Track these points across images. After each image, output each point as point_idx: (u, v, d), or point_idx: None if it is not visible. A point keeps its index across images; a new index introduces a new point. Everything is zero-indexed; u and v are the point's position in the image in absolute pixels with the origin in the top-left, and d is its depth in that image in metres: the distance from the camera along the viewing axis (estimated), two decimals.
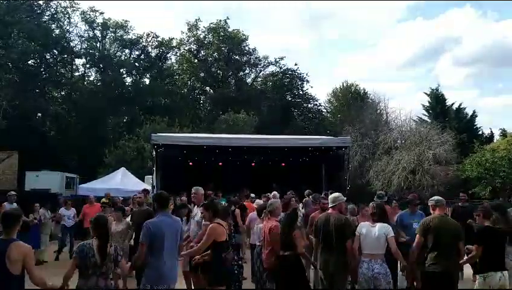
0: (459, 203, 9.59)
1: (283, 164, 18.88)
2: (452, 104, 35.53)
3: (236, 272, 5.97)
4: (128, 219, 8.49)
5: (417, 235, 5.41)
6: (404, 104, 78.35)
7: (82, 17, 38.05)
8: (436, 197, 5.67)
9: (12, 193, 11.57)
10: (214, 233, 5.19)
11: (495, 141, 31.24)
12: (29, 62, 34.65)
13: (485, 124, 70.72)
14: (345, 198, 6.31)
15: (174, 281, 4.79)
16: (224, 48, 39.84)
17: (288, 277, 5.78)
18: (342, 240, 5.56)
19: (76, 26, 38.40)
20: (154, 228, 4.70)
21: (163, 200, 4.97)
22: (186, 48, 41.89)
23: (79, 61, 39.57)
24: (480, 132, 34.56)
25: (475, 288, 5.44)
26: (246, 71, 42.89)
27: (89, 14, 38.25)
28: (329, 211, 5.94)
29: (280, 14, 65.05)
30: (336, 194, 6.13)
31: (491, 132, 34.98)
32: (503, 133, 30.28)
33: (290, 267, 5.77)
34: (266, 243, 6.31)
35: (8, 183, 24.02)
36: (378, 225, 5.48)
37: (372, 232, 5.45)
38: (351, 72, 72.74)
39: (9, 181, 24.48)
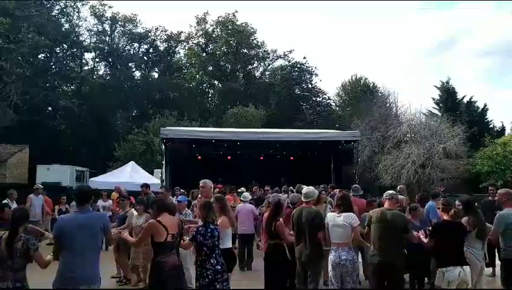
0: (489, 197, 9.43)
1: (292, 158, 18.86)
2: (463, 97, 35.14)
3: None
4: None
5: (366, 226, 5.64)
6: (414, 98, 77.70)
7: (91, 11, 38.32)
8: (389, 191, 5.81)
9: (40, 186, 11.93)
10: (149, 230, 4.69)
11: (506, 134, 30.87)
12: (39, 56, 34.92)
13: (497, 117, 69.71)
14: (317, 192, 6.52)
15: (88, 282, 4.19)
16: (233, 41, 39.76)
17: (271, 264, 6.20)
18: (312, 232, 5.77)
19: (85, 20, 38.67)
20: (62, 224, 4.30)
21: (82, 195, 4.46)
22: (194, 42, 41.93)
23: (88, 56, 39.94)
24: (491, 126, 34.17)
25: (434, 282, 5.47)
26: (255, 65, 42.84)
27: (98, 8, 38.46)
28: (304, 205, 6.11)
29: (289, 8, 64.77)
30: (310, 188, 6.31)
31: (503, 125, 34.61)
32: None
33: (273, 255, 6.15)
34: (263, 233, 6.86)
35: (20, 177, 24.34)
36: (343, 214, 5.61)
37: (337, 222, 5.60)
38: (360, 65, 72.23)
39: (21, 174, 24.80)
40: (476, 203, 9.00)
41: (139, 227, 7.60)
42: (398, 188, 9.40)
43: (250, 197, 9.99)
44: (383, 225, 5.40)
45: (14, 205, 10.37)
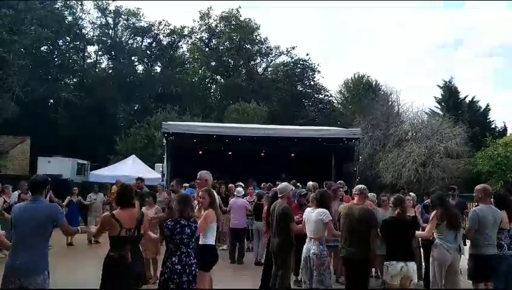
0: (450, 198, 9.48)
1: (292, 155, 18.84)
2: (465, 97, 35.14)
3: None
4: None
5: (337, 220, 5.91)
6: (417, 96, 77.73)
7: (94, 4, 38.24)
8: (358, 186, 6.01)
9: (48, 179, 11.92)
10: (103, 223, 4.53)
11: (508, 134, 30.85)
12: (42, 48, 34.93)
13: (499, 117, 69.39)
14: (293, 187, 6.89)
15: (30, 273, 4.06)
16: (236, 37, 39.69)
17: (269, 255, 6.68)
18: (281, 225, 6.09)
19: (88, 13, 38.62)
20: (15, 212, 4.32)
21: (35, 184, 4.44)
22: (197, 37, 41.88)
23: (91, 48, 39.89)
24: (493, 126, 34.14)
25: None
26: (257, 61, 42.77)
27: (101, 1, 38.36)
28: (279, 199, 6.36)
29: (292, 4, 64.58)
30: (284, 184, 6.62)
31: (505, 125, 34.55)
32: None
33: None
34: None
35: (21, 169, 24.40)
36: (317, 210, 5.84)
37: (311, 217, 5.86)
38: (363, 62, 71.96)
39: (22, 166, 24.86)
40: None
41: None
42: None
43: (243, 193, 10.17)
44: (351, 219, 5.58)
45: (26, 196, 10.53)
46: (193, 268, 4.74)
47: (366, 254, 5.49)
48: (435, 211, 5.78)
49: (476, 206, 6.15)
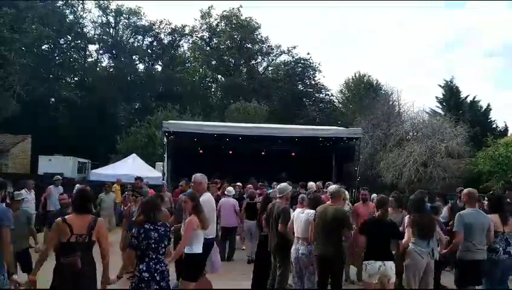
0: (457, 201, 9.34)
1: (293, 154, 18.85)
2: (466, 96, 35.02)
3: None
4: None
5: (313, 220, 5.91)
6: (418, 96, 77.64)
7: (95, 3, 38.28)
8: (331, 189, 6.06)
9: (59, 177, 12.27)
10: (54, 228, 4.28)
11: (509, 134, 30.78)
12: (43, 47, 34.94)
13: (500, 117, 69.32)
14: (291, 187, 6.87)
15: None
16: (237, 36, 39.68)
17: (260, 253, 6.87)
18: (278, 224, 6.16)
19: (89, 12, 38.67)
20: None
21: None
22: (198, 36, 41.86)
23: (92, 47, 39.95)
24: (494, 126, 34.04)
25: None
26: (258, 60, 42.72)
27: (103, 0, 38.41)
28: (277, 199, 6.46)
29: (293, 4, 64.53)
30: (284, 184, 6.70)
31: (506, 125, 34.44)
32: None
33: (263, 246, 6.72)
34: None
35: (21, 167, 24.42)
36: (306, 210, 6.00)
37: (300, 217, 5.98)
38: (364, 62, 71.88)
39: (23, 165, 24.87)
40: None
41: None
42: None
43: (233, 192, 10.24)
44: (325, 219, 5.64)
45: (32, 195, 10.52)
46: (165, 275, 4.43)
47: (339, 253, 5.60)
48: (408, 217, 5.80)
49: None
